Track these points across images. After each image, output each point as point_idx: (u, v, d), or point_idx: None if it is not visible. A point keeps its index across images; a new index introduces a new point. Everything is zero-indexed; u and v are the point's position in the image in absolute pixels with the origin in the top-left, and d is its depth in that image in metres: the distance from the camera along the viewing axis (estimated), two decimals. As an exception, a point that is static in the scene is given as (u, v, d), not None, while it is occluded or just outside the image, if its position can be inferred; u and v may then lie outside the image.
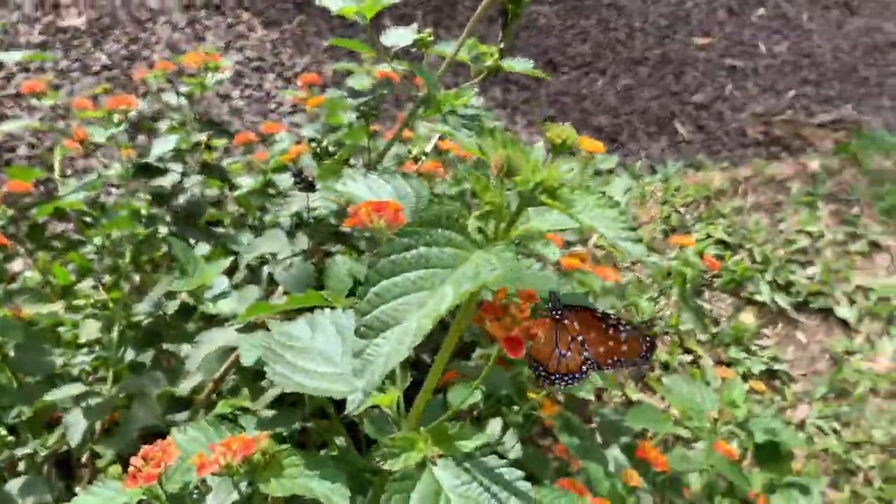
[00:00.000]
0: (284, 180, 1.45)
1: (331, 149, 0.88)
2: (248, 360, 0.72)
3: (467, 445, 0.50)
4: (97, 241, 1.22)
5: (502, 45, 0.94)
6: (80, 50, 2.48)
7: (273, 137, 1.56)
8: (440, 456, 0.49)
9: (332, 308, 0.74)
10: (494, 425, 1.00)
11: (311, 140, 0.90)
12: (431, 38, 0.93)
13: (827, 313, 1.91)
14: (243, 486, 0.52)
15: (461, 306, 0.42)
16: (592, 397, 0.96)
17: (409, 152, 0.93)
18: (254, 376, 0.87)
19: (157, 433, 1.02)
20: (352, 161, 0.87)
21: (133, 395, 0.96)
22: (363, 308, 0.38)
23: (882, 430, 1.67)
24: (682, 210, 2.11)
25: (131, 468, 0.54)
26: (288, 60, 2.53)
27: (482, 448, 0.50)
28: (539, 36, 2.85)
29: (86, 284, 1.17)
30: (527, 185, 0.40)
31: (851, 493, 1.57)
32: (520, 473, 0.48)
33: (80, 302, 1.11)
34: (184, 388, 0.89)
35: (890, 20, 3.01)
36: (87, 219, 1.38)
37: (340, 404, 0.53)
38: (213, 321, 1.06)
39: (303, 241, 0.89)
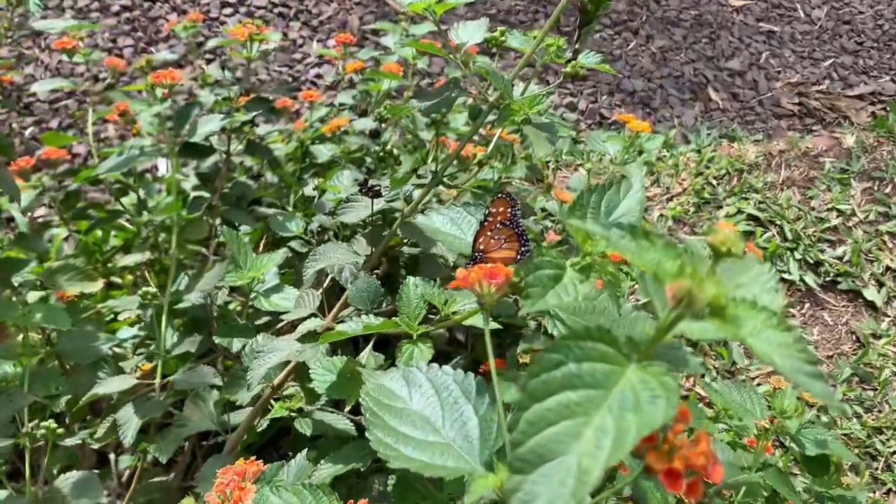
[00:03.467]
0: (322, 151, 1.41)
1: (395, 151, 0.84)
2: (321, 388, 0.70)
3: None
4: (139, 216, 1.19)
5: (577, 47, 0.89)
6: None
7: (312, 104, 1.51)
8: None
9: (409, 337, 0.72)
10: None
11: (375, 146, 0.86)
12: (504, 38, 0.87)
13: (855, 294, 1.89)
14: None
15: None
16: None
17: (477, 159, 0.88)
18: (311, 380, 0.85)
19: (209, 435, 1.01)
20: (419, 171, 0.83)
21: (185, 393, 0.94)
22: (517, 439, 0.36)
23: (905, 416, 1.68)
24: (714, 182, 2.07)
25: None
26: (314, 8, 2.44)
27: None
28: (571, -12, 2.75)
29: (129, 260, 1.14)
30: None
31: (871, 478, 1.59)
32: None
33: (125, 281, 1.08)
34: (243, 398, 0.88)
35: (935, -14, 2.91)
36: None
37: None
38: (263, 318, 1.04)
39: (363, 247, 0.86)
